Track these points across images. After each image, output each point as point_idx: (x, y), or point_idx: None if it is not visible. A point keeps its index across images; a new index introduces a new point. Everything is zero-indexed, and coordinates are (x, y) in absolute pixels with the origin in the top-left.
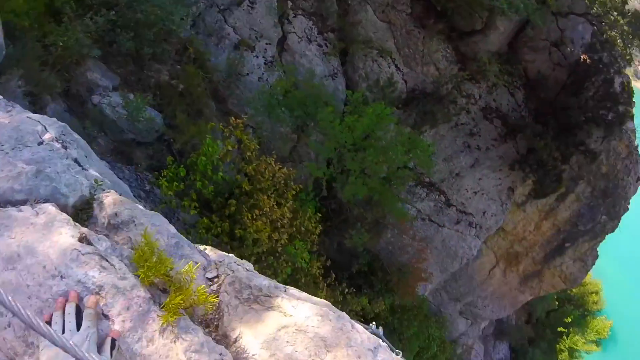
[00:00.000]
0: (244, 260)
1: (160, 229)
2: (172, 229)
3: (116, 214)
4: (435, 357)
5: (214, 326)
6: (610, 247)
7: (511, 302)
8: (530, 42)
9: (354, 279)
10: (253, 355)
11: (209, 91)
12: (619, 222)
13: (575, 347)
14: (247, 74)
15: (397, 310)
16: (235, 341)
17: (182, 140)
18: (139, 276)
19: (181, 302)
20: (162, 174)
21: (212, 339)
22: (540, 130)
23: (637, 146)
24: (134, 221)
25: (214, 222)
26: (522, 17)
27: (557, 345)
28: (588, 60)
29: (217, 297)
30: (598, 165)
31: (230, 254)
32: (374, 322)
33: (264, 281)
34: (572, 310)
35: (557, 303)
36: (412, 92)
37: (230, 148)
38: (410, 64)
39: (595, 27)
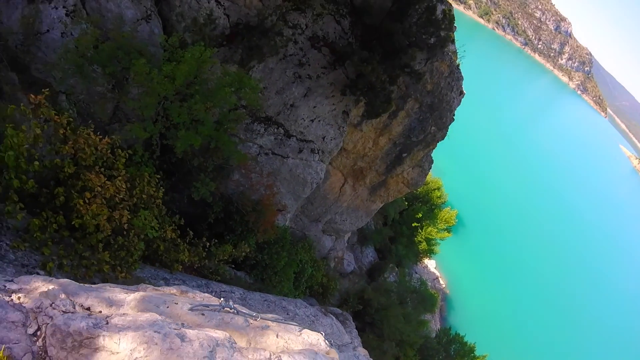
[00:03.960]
0: (63, 297)
1: None
2: None
3: None
4: (313, 276)
5: None
6: (444, 150)
7: (366, 211)
8: None
9: (214, 229)
10: None
11: (7, 61)
12: (447, 131)
13: (430, 236)
14: (48, 30)
15: (264, 246)
16: None
17: None
18: None
19: None
20: None
21: None
22: (367, 56)
23: (458, 65)
24: None
25: (47, 218)
26: None
27: (415, 238)
28: None
29: None
30: (423, 84)
31: (52, 286)
32: (222, 298)
33: (81, 322)
34: (421, 207)
35: (406, 203)
36: (236, 27)
37: (38, 131)
38: None
39: None
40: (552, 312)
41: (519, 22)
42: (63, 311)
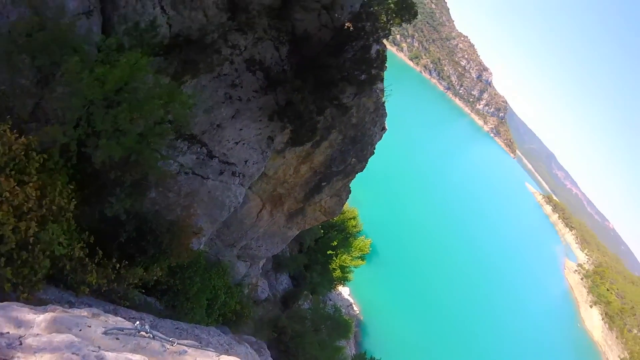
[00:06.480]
0: None
1: None
2: None
3: None
4: (226, 304)
5: None
6: (362, 181)
7: (282, 238)
8: (304, 1)
9: (125, 249)
10: None
11: None
12: (367, 163)
13: (344, 264)
14: None
15: (177, 270)
16: None
17: None
18: None
19: None
20: None
21: None
22: (299, 85)
23: (383, 103)
24: None
25: None
26: None
27: (330, 266)
28: (351, 28)
29: None
30: (349, 117)
31: None
32: (138, 322)
33: None
34: (336, 235)
35: (322, 231)
36: (176, 38)
37: None
38: (178, 7)
39: (366, 0)
40: (458, 333)
41: (445, 68)
42: None
